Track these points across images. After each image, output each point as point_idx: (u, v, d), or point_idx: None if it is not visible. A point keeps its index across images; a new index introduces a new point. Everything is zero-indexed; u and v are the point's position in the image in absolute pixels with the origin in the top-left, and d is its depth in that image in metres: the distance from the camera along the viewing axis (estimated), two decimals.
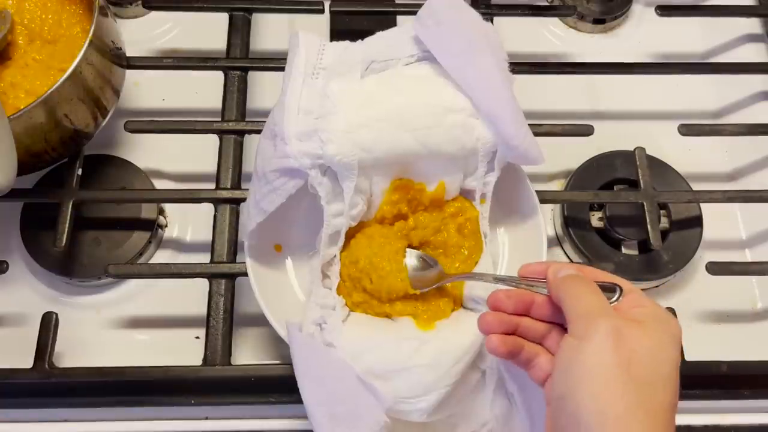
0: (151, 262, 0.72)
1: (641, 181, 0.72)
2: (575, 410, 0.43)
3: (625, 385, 0.43)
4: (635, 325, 0.46)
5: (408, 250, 0.63)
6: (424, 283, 0.61)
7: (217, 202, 0.71)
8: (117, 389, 0.64)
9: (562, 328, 0.51)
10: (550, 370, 0.50)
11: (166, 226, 0.74)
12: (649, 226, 0.70)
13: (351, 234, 0.64)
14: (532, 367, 0.52)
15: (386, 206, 0.63)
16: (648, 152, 0.74)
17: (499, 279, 0.56)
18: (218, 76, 0.78)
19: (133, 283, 0.71)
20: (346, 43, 0.66)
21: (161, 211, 0.74)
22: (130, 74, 0.76)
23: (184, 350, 0.68)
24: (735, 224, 0.77)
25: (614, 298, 0.49)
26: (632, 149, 0.74)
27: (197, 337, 0.68)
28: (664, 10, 0.84)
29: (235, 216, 0.70)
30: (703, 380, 0.66)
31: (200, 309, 0.67)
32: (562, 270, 0.51)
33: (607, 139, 0.77)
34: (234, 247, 0.70)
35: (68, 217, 0.68)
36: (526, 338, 0.52)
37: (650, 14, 0.87)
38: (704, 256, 0.74)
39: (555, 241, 0.75)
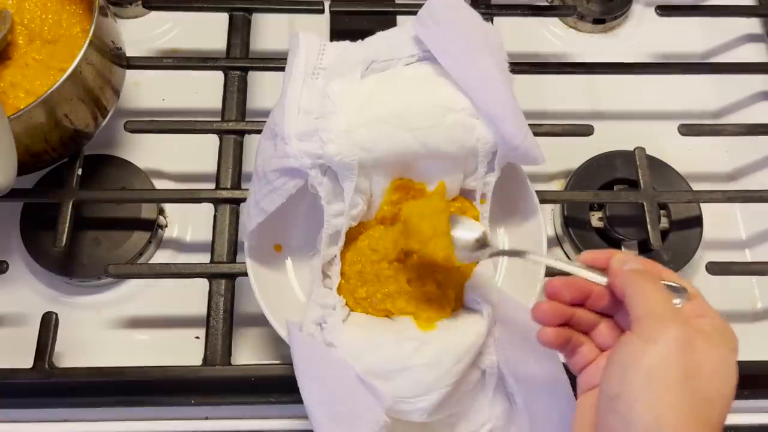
0: (151, 262, 0.72)
1: (641, 181, 0.72)
2: (627, 412, 0.42)
3: (684, 396, 0.42)
4: (703, 336, 0.44)
5: (453, 216, 0.58)
6: (469, 256, 0.57)
7: (217, 202, 0.71)
8: (117, 389, 0.64)
9: (612, 320, 0.51)
10: (591, 359, 0.50)
11: (166, 226, 0.74)
12: (649, 226, 0.70)
13: (352, 235, 0.64)
14: (574, 354, 0.50)
15: (386, 206, 0.63)
16: (648, 152, 0.74)
17: (551, 261, 0.54)
18: (218, 76, 0.78)
19: (133, 283, 0.71)
20: (346, 43, 0.66)
21: (161, 211, 0.74)
22: (130, 74, 0.76)
23: (184, 350, 0.68)
24: (735, 224, 0.77)
25: (679, 301, 0.47)
26: (632, 149, 0.74)
27: (197, 337, 0.68)
28: (664, 10, 0.84)
29: (235, 216, 0.70)
30: None
31: (200, 309, 0.67)
32: (628, 262, 0.49)
33: (607, 139, 0.77)
34: (234, 247, 0.70)
35: (68, 217, 0.68)
36: (575, 329, 0.50)
37: (650, 14, 0.87)
38: (704, 256, 0.74)
39: (555, 241, 0.75)
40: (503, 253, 0.58)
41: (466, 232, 0.57)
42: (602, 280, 0.50)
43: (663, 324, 0.44)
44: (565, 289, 0.50)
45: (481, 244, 0.57)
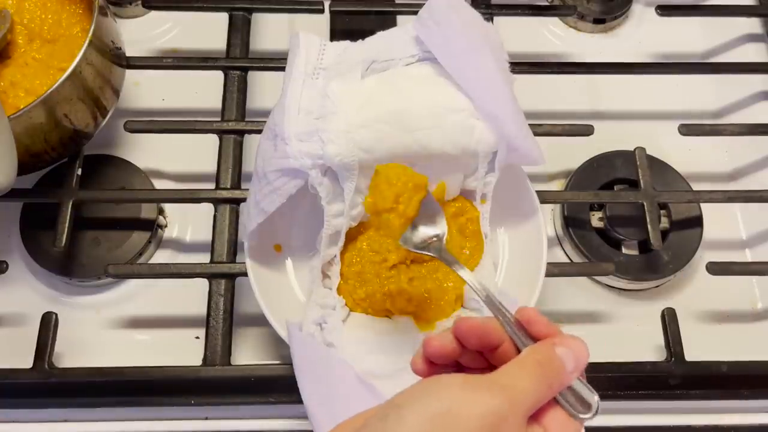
0: (150, 262, 0.72)
1: (641, 181, 0.72)
2: None
3: None
4: None
5: (427, 200, 0.56)
6: (413, 247, 0.56)
7: (217, 202, 0.71)
8: (117, 389, 0.64)
9: None
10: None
11: (165, 226, 0.74)
12: (649, 226, 0.70)
13: (351, 235, 0.64)
14: None
15: None
16: (648, 152, 0.74)
17: (489, 302, 0.48)
18: (218, 76, 0.78)
19: (133, 283, 0.71)
20: (347, 43, 0.66)
21: (161, 211, 0.74)
22: (130, 74, 0.76)
23: (184, 350, 0.67)
24: (735, 224, 0.77)
25: (587, 415, 0.42)
26: (632, 149, 0.74)
27: (197, 337, 0.68)
28: (664, 10, 0.84)
29: (235, 216, 0.70)
30: (703, 380, 0.66)
31: (200, 309, 0.67)
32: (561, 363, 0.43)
33: (607, 139, 0.77)
34: (234, 247, 0.70)
35: (68, 217, 0.68)
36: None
37: (650, 14, 0.87)
38: (704, 256, 0.73)
39: (555, 241, 0.75)
40: (445, 261, 0.54)
41: (428, 225, 0.56)
42: (522, 343, 0.44)
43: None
44: (473, 335, 0.44)
45: (434, 242, 0.56)
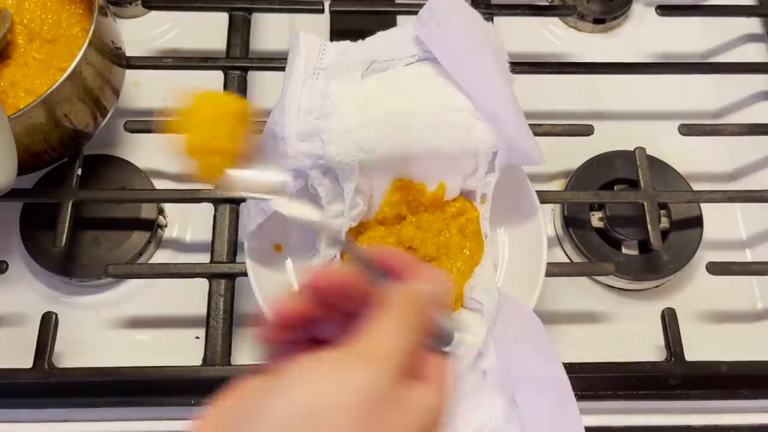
0: (150, 262, 0.72)
1: (641, 181, 0.72)
2: None
3: None
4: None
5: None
6: (243, 190, 0.47)
7: (217, 202, 0.71)
8: (117, 389, 0.64)
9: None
10: None
11: (165, 226, 0.74)
12: (649, 226, 0.70)
13: (351, 235, 0.64)
14: None
15: (387, 207, 0.63)
16: (648, 152, 0.74)
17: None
18: (218, 76, 0.78)
19: (132, 283, 0.71)
20: (347, 43, 0.66)
21: (161, 211, 0.74)
22: (130, 74, 0.76)
23: (184, 350, 0.67)
24: (735, 224, 0.77)
25: (448, 347, 0.39)
26: (632, 149, 0.74)
27: (197, 337, 0.68)
28: (665, 10, 0.84)
29: (235, 216, 0.70)
30: (703, 380, 0.66)
31: (200, 309, 0.67)
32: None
33: (607, 139, 0.77)
34: (234, 247, 0.70)
35: (68, 217, 0.68)
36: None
37: (650, 14, 0.87)
38: (704, 256, 0.73)
39: (555, 241, 0.75)
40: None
41: (264, 168, 0.46)
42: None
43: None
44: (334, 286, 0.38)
45: (275, 191, 0.45)
